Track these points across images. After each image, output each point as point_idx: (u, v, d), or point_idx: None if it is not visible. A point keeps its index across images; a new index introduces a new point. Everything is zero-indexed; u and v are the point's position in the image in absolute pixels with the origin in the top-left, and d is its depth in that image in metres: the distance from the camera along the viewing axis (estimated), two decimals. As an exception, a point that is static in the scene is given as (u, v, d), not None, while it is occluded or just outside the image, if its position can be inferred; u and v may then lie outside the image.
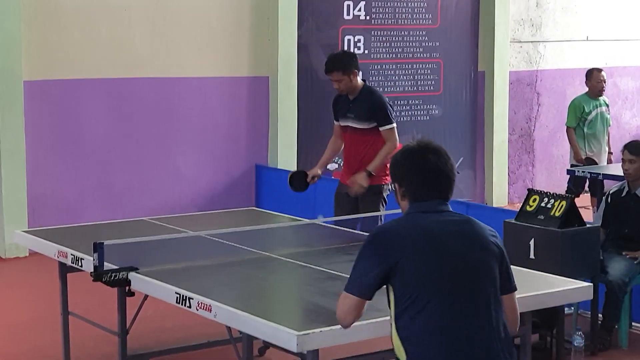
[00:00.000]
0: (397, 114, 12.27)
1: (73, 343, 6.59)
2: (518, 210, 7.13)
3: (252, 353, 5.15)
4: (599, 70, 11.12)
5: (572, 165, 10.87)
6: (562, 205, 6.77)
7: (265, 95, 11.44)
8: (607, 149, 11.04)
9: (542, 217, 6.84)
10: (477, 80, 12.97)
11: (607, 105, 11.09)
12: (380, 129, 7.76)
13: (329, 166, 11.91)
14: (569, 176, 10.85)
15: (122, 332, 6.14)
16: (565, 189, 10.93)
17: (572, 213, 6.79)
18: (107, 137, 10.45)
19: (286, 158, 11.46)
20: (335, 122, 8.07)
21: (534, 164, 13.67)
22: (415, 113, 12.47)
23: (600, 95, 10.99)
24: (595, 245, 6.91)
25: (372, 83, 12.08)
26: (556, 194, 7.06)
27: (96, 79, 10.32)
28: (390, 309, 3.72)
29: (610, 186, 7.98)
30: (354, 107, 7.82)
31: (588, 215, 9.67)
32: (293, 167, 11.53)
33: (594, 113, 10.88)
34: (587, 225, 6.92)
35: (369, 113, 7.75)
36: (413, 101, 12.45)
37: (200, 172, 11.13)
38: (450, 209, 3.84)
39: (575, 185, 10.82)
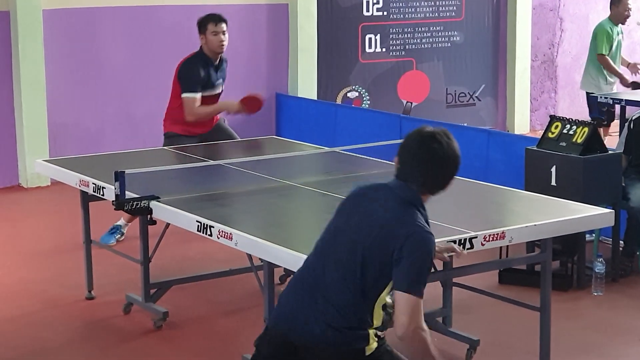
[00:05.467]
0: (418, 40, 12.20)
1: (95, 271, 6.65)
2: (540, 137, 7.10)
3: (273, 281, 5.19)
4: None
5: (589, 93, 10.73)
6: (584, 131, 6.73)
7: (285, 23, 11.36)
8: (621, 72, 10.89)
9: (564, 143, 6.81)
10: (500, 6, 12.82)
11: (622, 34, 10.94)
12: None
13: (349, 94, 11.90)
14: (590, 107, 10.79)
15: (144, 260, 6.19)
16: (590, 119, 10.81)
17: (594, 140, 6.75)
18: (127, 66, 10.42)
19: (306, 86, 11.43)
20: (197, 95, 7.67)
21: (557, 91, 13.57)
22: (436, 40, 12.36)
23: (624, 23, 10.83)
24: (617, 171, 6.88)
25: (393, 10, 11.99)
26: (578, 120, 7.01)
27: (115, 7, 10.27)
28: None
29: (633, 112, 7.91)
30: (222, 72, 7.86)
31: (612, 142, 9.62)
32: (313, 96, 11.51)
33: (615, 42, 10.74)
34: (609, 152, 6.88)
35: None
36: (434, 27, 12.33)
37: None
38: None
39: (607, 115, 10.64)
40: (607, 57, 10.61)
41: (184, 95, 7.65)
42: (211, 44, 7.73)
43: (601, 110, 10.53)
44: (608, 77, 10.70)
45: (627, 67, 11.00)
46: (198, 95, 7.65)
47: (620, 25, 10.82)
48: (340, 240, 3.74)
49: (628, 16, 10.74)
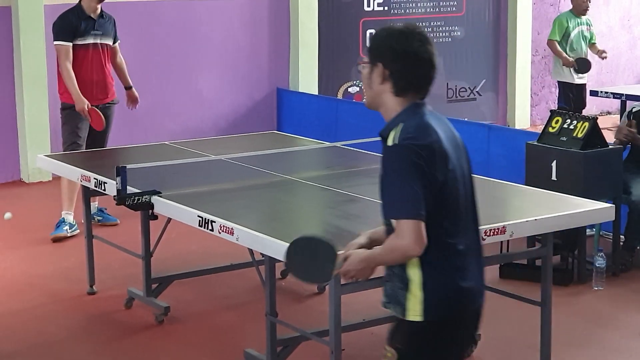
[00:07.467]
0: (419, 35, 12.16)
1: (97, 266, 6.67)
2: (540, 131, 7.10)
3: (275, 275, 5.19)
4: None
5: (558, 82, 10.91)
6: (585, 126, 6.74)
7: (286, 17, 11.36)
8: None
9: (564, 138, 6.81)
10: (500, 1, 12.82)
11: (589, 25, 10.95)
12: (116, 44, 8.27)
13: (350, 89, 11.89)
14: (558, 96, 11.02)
15: (145, 255, 6.20)
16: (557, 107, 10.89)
17: (594, 134, 6.75)
18: (128, 61, 10.38)
19: (307, 81, 11.43)
20: (67, 43, 7.93)
21: (557, 85, 13.55)
22: (437, 35, 12.36)
23: (584, 15, 10.86)
24: (618, 166, 6.89)
25: (394, 5, 12.00)
26: (579, 115, 7.03)
27: (116, 2, 10.26)
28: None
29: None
30: (100, 24, 8.07)
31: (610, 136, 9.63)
32: (314, 91, 11.50)
33: (575, 31, 10.77)
34: (610, 147, 6.89)
35: (112, 29, 8.20)
36: (435, 23, 12.33)
37: (222, 96, 11.12)
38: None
39: (568, 102, 10.77)
40: (554, 41, 10.73)
41: (55, 42, 7.95)
42: None
43: (567, 100, 10.62)
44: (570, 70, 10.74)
45: (597, 53, 11.04)
46: (68, 44, 7.90)
47: (585, 18, 10.85)
48: None
49: (586, 7, 10.80)
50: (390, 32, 3.48)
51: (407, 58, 3.43)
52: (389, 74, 3.44)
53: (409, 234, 3.25)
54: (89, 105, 7.82)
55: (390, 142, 3.35)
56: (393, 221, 3.35)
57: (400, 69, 3.43)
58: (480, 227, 3.55)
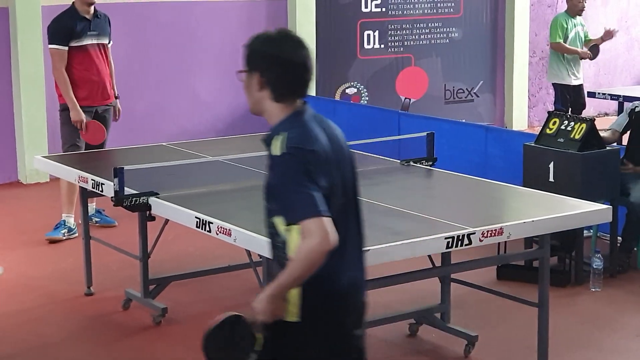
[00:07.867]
0: (417, 37, 12.20)
1: (95, 267, 6.66)
2: (538, 133, 7.11)
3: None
4: None
5: (554, 84, 10.91)
6: (582, 127, 6.74)
7: (284, 19, 11.36)
8: (581, 64, 10.96)
9: (562, 139, 6.82)
10: (498, 2, 12.83)
11: (582, 25, 10.96)
12: (110, 44, 8.18)
13: (348, 90, 11.89)
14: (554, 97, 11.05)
15: (143, 256, 6.19)
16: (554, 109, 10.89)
17: (592, 136, 6.76)
18: (125, 63, 10.42)
19: (305, 82, 11.42)
20: (62, 47, 7.89)
21: (553, 88, 13.57)
22: (435, 36, 12.37)
23: (580, 15, 10.87)
24: (615, 167, 6.89)
25: (392, 6, 12.00)
26: (576, 116, 7.03)
27: (114, 4, 10.27)
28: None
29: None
30: (96, 24, 8.04)
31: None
32: (312, 92, 11.47)
33: (573, 32, 10.77)
34: (607, 148, 6.89)
35: (109, 28, 8.17)
36: (433, 24, 12.34)
37: (220, 97, 11.12)
38: None
39: (565, 104, 10.78)
40: (560, 43, 10.69)
41: (50, 46, 7.92)
42: None
43: (565, 102, 10.63)
44: (568, 69, 10.73)
45: (604, 36, 11.04)
46: (64, 49, 7.86)
47: (579, 18, 10.86)
48: None
49: (582, 8, 10.81)
50: (263, 39, 3.49)
51: (280, 64, 3.43)
52: (265, 82, 3.45)
53: (318, 231, 3.23)
54: (87, 118, 7.80)
55: (277, 152, 3.36)
56: (285, 232, 3.38)
57: (275, 76, 3.44)
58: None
